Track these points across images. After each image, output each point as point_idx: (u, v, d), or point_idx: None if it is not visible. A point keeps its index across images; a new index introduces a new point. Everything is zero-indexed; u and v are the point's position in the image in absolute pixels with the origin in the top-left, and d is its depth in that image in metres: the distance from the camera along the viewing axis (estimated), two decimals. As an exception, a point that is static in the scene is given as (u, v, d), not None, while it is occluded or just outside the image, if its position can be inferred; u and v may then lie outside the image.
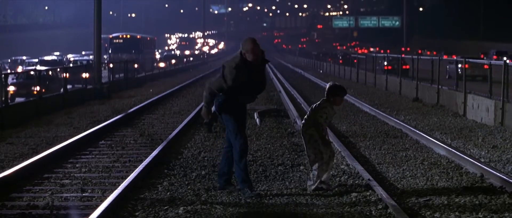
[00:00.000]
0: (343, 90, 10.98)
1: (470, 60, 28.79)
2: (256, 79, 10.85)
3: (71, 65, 52.51)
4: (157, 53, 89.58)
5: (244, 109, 11.17)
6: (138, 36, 73.68)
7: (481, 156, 14.45)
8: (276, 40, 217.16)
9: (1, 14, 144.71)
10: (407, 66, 37.32)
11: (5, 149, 16.23)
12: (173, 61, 74.83)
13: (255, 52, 10.64)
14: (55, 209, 10.02)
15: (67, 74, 30.93)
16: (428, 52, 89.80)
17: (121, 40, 68.38)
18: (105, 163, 13.99)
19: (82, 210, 10.04)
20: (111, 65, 42.51)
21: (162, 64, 67.28)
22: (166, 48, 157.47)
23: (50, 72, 36.87)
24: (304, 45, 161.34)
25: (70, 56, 78.50)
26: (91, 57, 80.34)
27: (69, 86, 31.26)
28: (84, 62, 50.02)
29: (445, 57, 50.23)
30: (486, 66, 40.09)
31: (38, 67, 45.72)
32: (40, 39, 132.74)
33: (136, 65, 49.24)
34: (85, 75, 34.32)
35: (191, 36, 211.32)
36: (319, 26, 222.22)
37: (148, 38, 79.03)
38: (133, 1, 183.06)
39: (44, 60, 59.41)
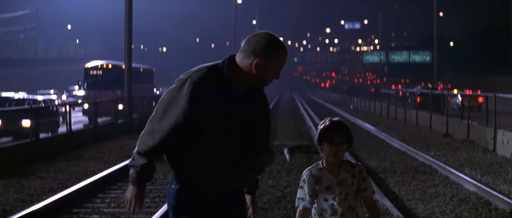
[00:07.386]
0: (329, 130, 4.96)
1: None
2: (245, 128, 4.81)
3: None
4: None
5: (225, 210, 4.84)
6: (123, 66, 47.62)
7: (511, 192, 14.33)
8: (308, 77, 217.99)
9: (32, 47, 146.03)
10: None
11: (35, 183, 16.33)
12: None
13: (278, 68, 5.02)
14: (83, 244, 10.06)
15: None
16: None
17: (100, 72, 49.24)
18: (133, 197, 13.99)
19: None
20: (85, 106, 36.20)
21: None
22: None
23: None
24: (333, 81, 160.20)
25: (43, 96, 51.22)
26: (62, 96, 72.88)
27: (6, 139, 27.37)
28: (31, 102, 30.13)
29: (454, 91, 49.69)
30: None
31: None
32: (73, 72, 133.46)
33: (120, 106, 36.75)
34: (25, 124, 26.48)
35: None
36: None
37: (141, 69, 56.89)
38: (164, 35, 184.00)
39: None
